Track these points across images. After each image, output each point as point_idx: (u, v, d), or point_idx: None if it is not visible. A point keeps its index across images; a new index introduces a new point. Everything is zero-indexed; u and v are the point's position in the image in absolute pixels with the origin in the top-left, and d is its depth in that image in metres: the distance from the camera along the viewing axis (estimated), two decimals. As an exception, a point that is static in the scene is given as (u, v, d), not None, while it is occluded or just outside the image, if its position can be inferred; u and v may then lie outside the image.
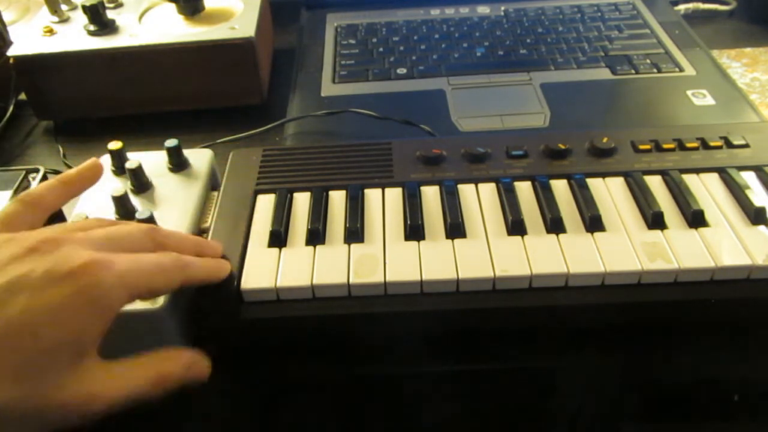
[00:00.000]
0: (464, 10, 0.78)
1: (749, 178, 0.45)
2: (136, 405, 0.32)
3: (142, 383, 0.32)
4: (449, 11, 0.78)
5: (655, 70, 0.65)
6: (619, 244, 0.40)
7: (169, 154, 0.48)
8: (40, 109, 0.66)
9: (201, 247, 0.39)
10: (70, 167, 0.62)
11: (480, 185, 0.46)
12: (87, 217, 0.42)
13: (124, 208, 0.44)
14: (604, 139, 0.47)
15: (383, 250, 0.41)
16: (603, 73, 0.65)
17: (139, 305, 0.37)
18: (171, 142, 0.48)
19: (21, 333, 0.28)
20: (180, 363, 0.34)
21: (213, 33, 0.64)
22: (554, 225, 0.42)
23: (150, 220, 0.41)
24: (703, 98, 0.61)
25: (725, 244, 0.40)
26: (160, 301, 0.38)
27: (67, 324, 0.29)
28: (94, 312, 0.30)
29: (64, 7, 0.68)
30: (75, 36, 0.64)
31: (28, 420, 0.28)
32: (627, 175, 0.46)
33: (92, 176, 0.40)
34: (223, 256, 0.41)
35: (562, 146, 0.47)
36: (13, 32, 0.72)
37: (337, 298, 0.39)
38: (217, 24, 0.66)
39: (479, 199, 0.44)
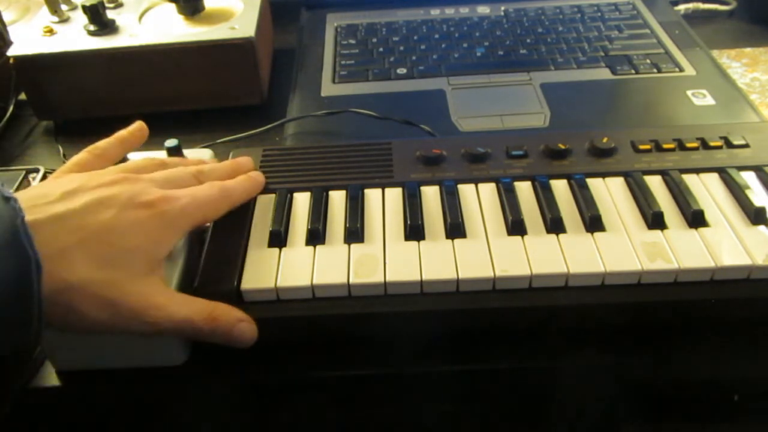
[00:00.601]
0: (464, 10, 0.78)
1: (749, 178, 0.45)
2: (191, 334, 0.37)
3: (197, 316, 0.37)
4: (449, 11, 0.78)
5: (655, 70, 0.65)
6: (619, 244, 0.40)
7: (169, 154, 0.48)
8: (40, 109, 0.66)
9: (236, 170, 0.45)
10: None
11: (480, 185, 0.46)
12: None
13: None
14: (604, 139, 0.47)
15: (383, 250, 0.41)
16: (603, 73, 0.65)
17: None
18: (171, 142, 0.48)
19: (111, 233, 0.35)
20: (232, 315, 0.38)
21: (213, 33, 0.64)
22: (554, 225, 0.42)
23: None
24: (703, 98, 0.61)
25: (725, 244, 0.40)
26: None
27: (146, 235, 0.36)
28: (165, 231, 0.38)
29: (64, 7, 0.68)
30: (75, 36, 0.64)
31: (103, 304, 0.34)
32: (627, 175, 0.46)
33: (141, 136, 0.47)
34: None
35: (562, 146, 0.47)
36: (13, 32, 0.72)
37: (337, 298, 0.39)
38: (217, 24, 0.66)
39: (479, 199, 0.44)
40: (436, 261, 0.40)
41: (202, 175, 0.43)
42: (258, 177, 0.46)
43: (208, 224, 0.44)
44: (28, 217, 0.32)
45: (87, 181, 0.37)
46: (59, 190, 0.36)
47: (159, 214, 0.37)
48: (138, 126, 0.47)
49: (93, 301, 0.34)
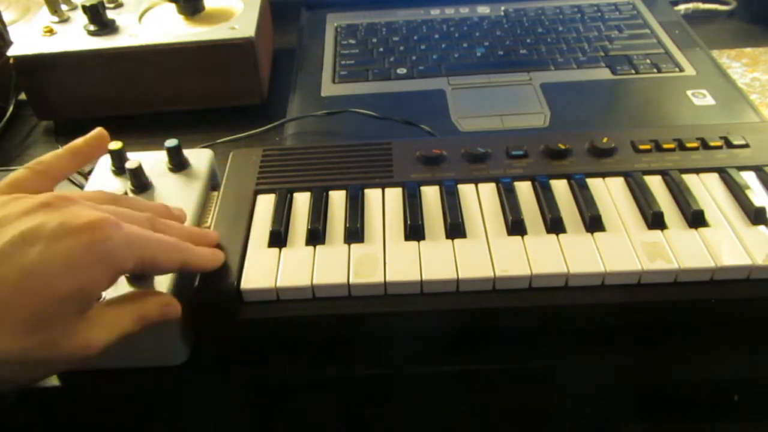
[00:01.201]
0: (464, 10, 0.78)
1: (749, 178, 0.45)
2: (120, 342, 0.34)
3: (128, 324, 0.34)
4: (449, 11, 0.78)
5: (655, 70, 0.65)
6: (619, 244, 0.40)
7: (169, 154, 0.48)
8: (40, 109, 0.66)
9: (197, 237, 0.40)
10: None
11: (480, 185, 0.46)
12: None
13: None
14: (604, 139, 0.47)
15: (383, 250, 0.41)
16: (603, 73, 0.65)
17: None
18: (171, 142, 0.48)
19: (36, 281, 0.29)
20: (158, 303, 0.36)
21: (213, 33, 0.64)
22: (554, 225, 0.42)
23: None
24: (703, 98, 0.61)
25: (725, 244, 0.40)
26: None
27: (78, 275, 0.31)
28: (102, 266, 0.32)
29: (64, 7, 0.68)
30: (75, 36, 0.64)
31: (37, 366, 0.31)
32: (627, 175, 0.46)
33: (99, 146, 0.41)
34: (219, 246, 0.41)
35: (562, 146, 0.47)
36: (13, 32, 0.72)
37: (337, 298, 0.39)
38: (217, 24, 0.66)
39: (479, 199, 0.44)
40: (436, 261, 0.40)
41: (159, 224, 0.37)
42: (218, 253, 0.40)
43: (208, 224, 0.44)
44: None
45: (8, 210, 0.32)
46: None
47: (93, 243, 0.31)
48: (96, 134, 0.40)
49: (24, 368, 0.30)
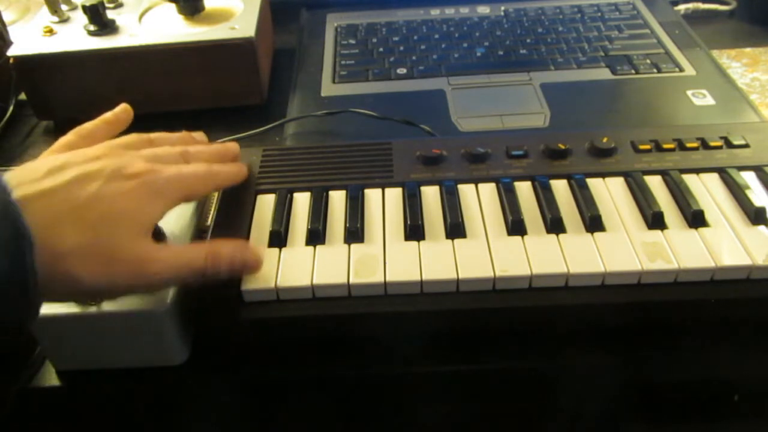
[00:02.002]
0: (464, 10, 0.78)
1: (749, 178, 0.45)
2: (196, 276, 0.37)
3: (197, 256, 0.38)
4: (449, 11, 0.78)
5: (655, 70, 0.65)
6: (619, 244, 0.40)
7: (169, 154, 0.48)
8: (40, 109, 0.66)
9: (222, 154, 0.46)
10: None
11: (480, 185, 0.46)
12: None
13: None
14: (604, 139, 0.47)
15: (383, 250, 0.41)
16: (603, 73, 0.65)
17: (144, 306, 0.38)
18: (171, 142, 0.48)
19: (99, 201, 0.35)
20: (230, 244, 0.39)
21: (213, 33, 0.64)
22: (554, 225, 0.42)
23: None
24: (703, 98, 0.61)
25: (725, 244, 0.40)
26: (165, 301, 0.38)
27: (133, 202, 0.37)
28: (151, 199, 0.38)
29: (64, 7, 0.68)
30: (75, 36, 0.64)
31: (98, 266, 0.34)
32: (627, 175, 0.46)
33: (126, 118, 0.46)
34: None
35: (562, 146, 0.47)
36: (13, 32, 0.72)
37: (338, 298, 0.39)
38: (217, 24, 0.66)
39: (479, 199, 0.44)
40: (436, 261, 0.40)
41: (189, 155, 0.43)
42: (243, 166, 0.46)
43: (208, 224, 0.44)
44: (16, 193, 0.33)
45: (72, 157, 0.38)
46: (45, 167, 0.36)
47: (145, 183, 0.37)
48: (123, 108, 0.46)
49: (88, 265, 0.34)
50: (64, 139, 0.42)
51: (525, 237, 0.41)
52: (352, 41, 0.73)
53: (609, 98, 0.63)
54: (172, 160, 0.42)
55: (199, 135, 0.49)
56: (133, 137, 0.44)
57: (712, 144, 0.47)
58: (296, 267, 0.40)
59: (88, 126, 0.44)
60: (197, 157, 0.43)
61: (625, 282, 0.39)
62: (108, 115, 0.46)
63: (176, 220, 0.44)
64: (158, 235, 0.42)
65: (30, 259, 0.32)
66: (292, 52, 0.73)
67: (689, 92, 0.62)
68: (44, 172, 0.36)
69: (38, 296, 0.33)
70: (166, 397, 0.44)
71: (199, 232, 0.45)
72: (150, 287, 0.38)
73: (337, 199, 0.45)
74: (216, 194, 0.48)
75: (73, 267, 0.34)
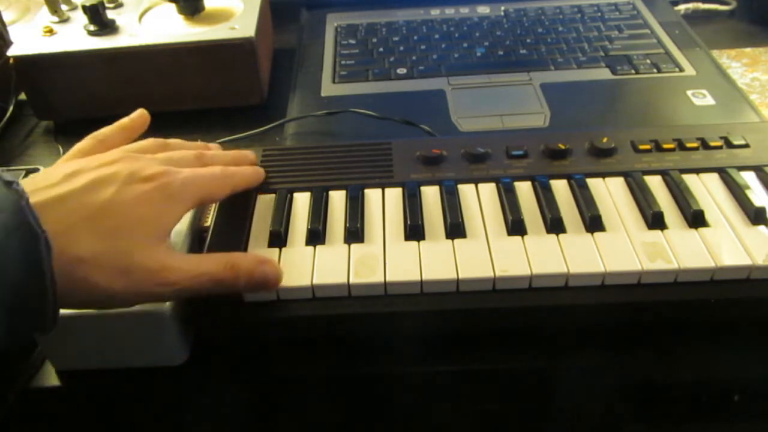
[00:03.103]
0: (464, 10, 0.78)
1: (749, 178, 0.45)
2: (213, 287, 0.37)
3: (216, 267, 0.37)
4: (449, 11, 0.78)
5: (655, 70, 0.65)
6: (619, 244, 0.40)
7: (169, 154, 0.48)
8: (40, 109, 0.66)
9: (238, 159, 0.46)
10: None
11: (480, 185, 0.46)
12: None
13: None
14: (604, 139, 0.47)
15: (383, 250, 0.41)
16: (603, 73, 0.65)
17: (144, 307, 0.38)
18: (171, 142, 0.48)
19: (114, 207, 0.35)
20: (251, 257, 0.39)
21: (213, 33, 0.64)
22: (554, 225, 0.42)
23: None
24: (703, 98, 0.61)
25: (725, 244, 0.40)
26: (167, 303, 0.38)
27: (149, 207, 0.37)
28: (168, 203, 0.38)
29: (64, 7, 0.68)
30: (75, 36, 0.64)
31: (115, 273, 0.34)
32: (627, 175, 0.46)
33: (142, 123, 0.47)
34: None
35: (562, 146, 0.47)
36: (13, 32, 0.72)
37: (338, 298, 0.39)
38: (217, 24, 0.66)
39: (479, 199, 0.44)
40: (436, 261, 0.40)
41: (205, 158, 0.43)
42: (259, 169, 0.46)
43: (208, 224, 0.44)
44: (32, 199, 0.33)
45: (87, 163, 0.38)
46: (61, 173, 0.36)
47: (161, 186, 0.37)
48: (139, 113, 0.47)
49: (105, 272, 0.34)
50: (80, 145, 0.42)
51: (525, 237, 0.41)
52: (352, 41, 0.73)
53: (609, 98, 0.63)
54: (188, 163, 0.42)
55: (215, 146, 0.49)
56: (148, 142, 0.44)
57: (712, 144, 0.47)
58: (296, 267, 0.40)
59: (104, 131, 0.44)
60: (213, 161, 0.43)
61: (625, 282, 0.39)
62: (124, 120, 0.46)
63: (176, 220, 0.44)
64: None
65: (48, 265, 0.31)
66: (292, 52, 0.73)
67: (689, 92, 0.62)
68: (60, 177, 0.36)
69: (56, 303, 0.32)
70: (166, 397, 0.44)
71: (199, 232, 0.45)
72: (167, 296, 0.37)
73: (337, 199, 0.45)
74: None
75: (91, 274, 0.33)
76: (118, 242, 0.35)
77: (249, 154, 0.48)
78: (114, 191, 0.36)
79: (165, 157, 0.41)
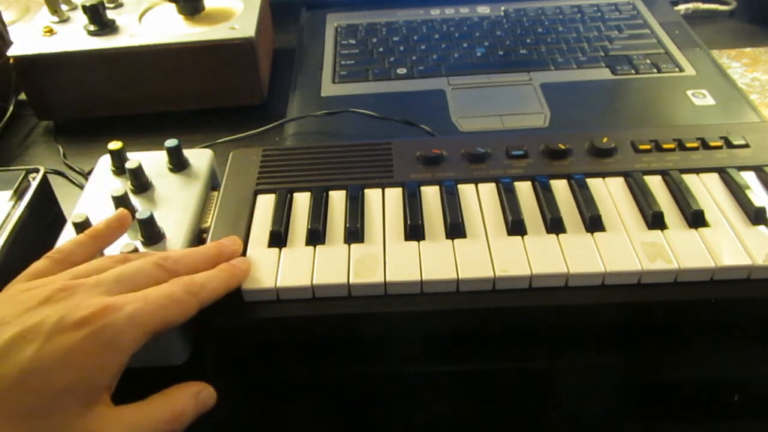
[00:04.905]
0: (464, 10, 0.78)
1: (749, 178, 0.45)
2: None
3: (160, 426, 0.32)
4: (449, 11, 0.78)
5: (655, 70, 0.65)
6: (619, 244, 0.40)
7: (169, 154, 0.48)
8: (40, 109, 0.66)
9: (218, 257, 0.39)
10: (70, 167, 0.62)
11: (480, 185, 0.46)
12: (87, 218, 0.42)
13: (124, 208, 0.44)
14: (604, 139, 0.47)
15: (383, 250, 0.41)
16: (603, 73, 0.65)
17: None
18: (171, 142, 0.48)
19: (33, 376, 0.29)
20: (189, 394, 0.34)
21: (213, 33, 0.64)
22: (554, 225, 0.42)
23: (150, 220, 0.41)
24: (703, 98, 0.61)
25: (725, 244, 0.40)
26: None
27: (78, 366, 0.30)
28: (106, 353, 0.31)
29: (64, 7, 0.68)
30: (75, 36, 0.64)
31: None
32: (627, 175, 0.46)
33: (120, 227, 0.40)
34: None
35: (562, 146, 0.47)
36: (13, 32, 0.72)
37: (338, 298, 0.39)
38: (217, 24, 0.66)
39: (479, 199, 0.44)
40: (436, 261, 0.40)
41: (169, 263, 0.36)
42: (242, 265, 0.39)
43: (208, 224, 0.44)
44: None
45: (11, 309, 0.32)
46: None
47: (95, 332, 0.31)
48: (117, 216, 0.41)
49: None
50: (34, 266, 0.36)
51: (525, 237, 0.41)
52: (352, 41, 0.73)
53: (609, 98, 0.63)
54: (146, 275, 0.35)
55: (233, 243, 0.41)
56: (105, 259, 0.37)
57: (712, 144, 0.47)
58: (296, 267, 0.40)
59: (65, 247, 0.38)
60: (181, 263, 0.37)
61: (625, 282, 0.39)
62: (99, 226, 0.40)
63: (176, 221, 0.44)
64: (157, 236, 0.42)
65: None
66: (292, 52, 0.73)
67: (689, 92, 0.62)
68: None
69: None
70: None
71: (199, 233, 0.45)
72: None
73: (337, 199, 0.45)
74: (216, 194, 0.48)
75: None
76: (42, 424, 0.29)
77: (232, 244, 0.40)
78: (34, 351, 0.30)
79: (114, 276, 0.34)
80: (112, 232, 0.40)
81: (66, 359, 0.30)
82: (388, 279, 0.39)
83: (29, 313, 0.32)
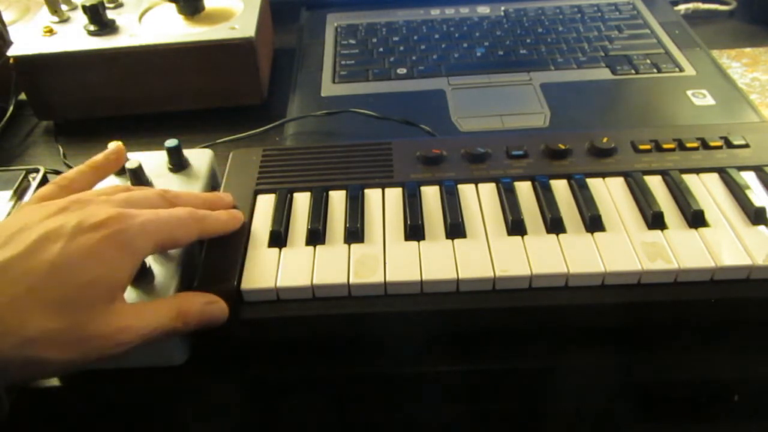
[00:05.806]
0: (464, 10, 0.78)
1: (749, 178, 0.45)
2: (164, 337, 0.36)
3: (166, 319, 0.36)
4: (449, 11, 0.78)
5: (655, 70, 0.65)
6: (619, 244, 0.40)
7: (169, 154, 0.48)
8: (40, 109, 0.66)
9: (212, 203, 0.42)
10: (70, 167, 0.62)
11: (480, 185, 0.46)
12: None
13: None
14: (604, 139, 0.47)
15: (383, 250, 0.41)
16: (603, 73, 0.65)
17: None
18: (171, 142, 0.48)
19: (61, 269, 0.32)
20: (198, 300, 0.37)
21: (213, 33, 0.64)
22: (554, 225, 0.42)
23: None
24: (703, 98, 0.61)
25: (725, 244, 0.40)
26: None
27: (99, 263, 0.33)
28: (122, 255, 0.34)
29: (64, 7, 0.68)
30: (75, 36, 0.64)
31: (69, 347, 0.32)
32: (627, 175, 0.46)
33: (117, 160, 0.43)
34: (235, 207, 0.44)
35: (562, 146, 0.47)
36: (13, 32, 0.72)
37: (337, 298, 0.39)
38: (217, 24, 0.66)
39: (479, 199, 0.44)
40: (436, 261, 0.40)
41: (170, 195, 0.39)
42: (237, 214, 0.43)
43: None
44: None
45: (32, 216, 0.35)
46: (2, 234, 0.33)
47: (112, 234, 0.34)
48: (114, 149, 0.43)
49: (58, 348, 0.32)
50: (41, 191, 0.39)
51: (525, 237, 0.41)
52: (352, 41, 0.73)
53: (609, 98, 0.63)
54: (150, 203, 0.38)
55: (227, 196, 0.44)
56: (110, 187, 0.40)
57: (712, 144, 0.47)
58: (296, 267, 0.40)
59: (69, 174, 0.41)
60: (180, 201, 0.40)
61: (625, 282, 0.39)
62: (97, 158, 0.42)
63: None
64: None
65: None
66: (292, 52, 0.73)
67: (689, 92, 0.62)
68: (2, 240, 0.33)
69: (2, 389, 0.31)
70: (166, 397, 0.44)
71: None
72: (119, 356, 0.34)
73: (337, 199, 0.45)
74: (216, 194, 0.48)
75: (43, 352, 0.31)
76: (69, 314, 0.32)
77: (225, 197, 0.44)
78: (60, 249, 0.33)
79: (122, 198, 0.37)
80: (110, 163, 0.43)
81: (89, 256, 0.33)
82: (388, 279, 0.39)
83: (50, 219, 0.34)
